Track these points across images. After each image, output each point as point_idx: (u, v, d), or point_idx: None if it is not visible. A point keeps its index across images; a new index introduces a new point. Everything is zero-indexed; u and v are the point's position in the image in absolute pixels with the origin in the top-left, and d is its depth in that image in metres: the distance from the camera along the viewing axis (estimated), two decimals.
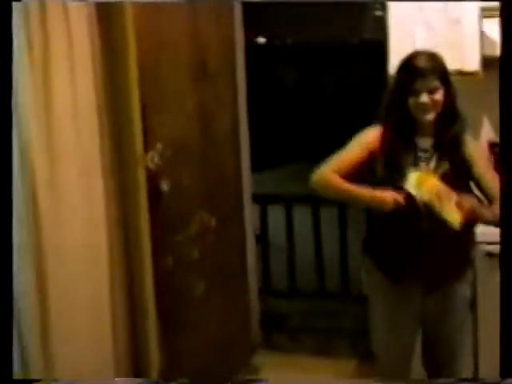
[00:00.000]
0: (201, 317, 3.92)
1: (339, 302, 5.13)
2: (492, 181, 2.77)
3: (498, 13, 3.48)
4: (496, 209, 2.69)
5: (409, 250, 2.81)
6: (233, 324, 4.26)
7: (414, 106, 2.75)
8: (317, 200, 5.25)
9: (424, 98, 2.73)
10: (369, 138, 2.84)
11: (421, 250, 2.79)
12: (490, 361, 3.10)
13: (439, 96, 2.75)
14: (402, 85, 2.77)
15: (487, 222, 2.82)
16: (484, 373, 3.47)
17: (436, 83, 2.74)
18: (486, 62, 3.62)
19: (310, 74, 13.94)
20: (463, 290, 2.93)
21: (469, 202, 2.68)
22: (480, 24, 3.56)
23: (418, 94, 2.73)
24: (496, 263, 3.34)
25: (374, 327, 3.02)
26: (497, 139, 3.87)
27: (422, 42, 3.59)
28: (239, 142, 4.41)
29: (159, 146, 3.40)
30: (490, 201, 2.79)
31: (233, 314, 4.27)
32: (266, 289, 5.02)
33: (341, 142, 2.91)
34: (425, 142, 2.81)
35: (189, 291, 3.83)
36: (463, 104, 3.74)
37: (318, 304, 5.18)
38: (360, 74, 11.96)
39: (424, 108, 2.75)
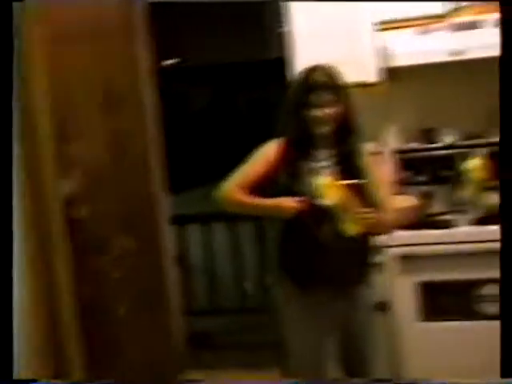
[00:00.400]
0: (125, 339, 3.94)
1: (261, 316, 5.22)
2: (381, 192, 2.91)
3: (394, 25, 3.70)
4: (386, 218, 2.86)
5: (313, 257, 2.87)
6: (157, 345, 4.29)
7: (308, 119, 2.83)
8: (234, 217, 5.36)
9: (318, 112, 2.81)
10: (269, 150, 2.91)
11: (324, 257, 2.85)
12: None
13: (333, 110, 2.82)
14: (296, 98, 2.85)
15: (383, 232, 2.97)
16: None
17: (330, 97, 2.81)
18: (386, 73, 3.79)
19: (223, 93, 14.05)
20: (367, 294, 3.01)
21: (370, 213, 2.76)
22: (378, 37, 3.72)
23: (312, 107, 2.81)
24: (409, 265, 3.53)
25: (287, 339, 3.06)
26: (401, 146, 4.05)
27: (324, 56, 3.73)
28: (153, 165, 4.46)
29: (76, 172, 3.43)
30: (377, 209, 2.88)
31: (157, 335, 4.30)
32: (188, 308, 5.06)
33: None
34: (323, 154, 2.88)
35: (112, 314, 3.85)
36: (367, 115, 3.93)
37: (240, 320, 5.25)
38: (271, 91, 12.13)
39: (318, 121, 2.83)
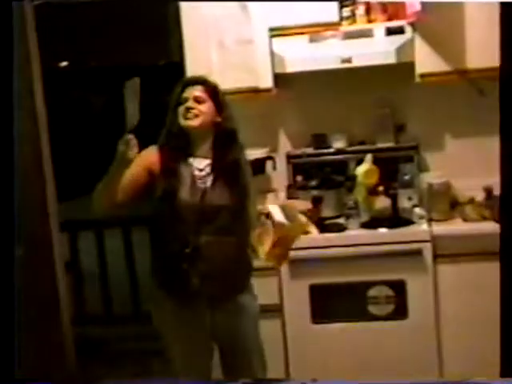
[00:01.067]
0: (11, 348, 3.86)
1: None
2: (253, 203, 2.96)
3: (286, 32, 3.78)
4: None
5: (189, 264, 2.86)
6: (47, 354, 4.23)
7: (180, 113, 2.90)
8: (127, 223, 5.34)
9: (189, 103, 2.88)
10: (148, 157, 2.92)
11: (201, 264, 2.85)
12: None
13: (204, 107, 2.89)
14: (173, 97, 2.94)
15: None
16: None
17: (202, 94, 2.90)
18: (277, 79, 3.86)
19: (116, 97, 13.92)
20: (249, 301, 3.02)
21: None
22: (270, 43, 3.78)
23: (185, 101, 2.90)
24: (300, 268, 3.61)
25: (171, 354, 3.04)
26: (293, 151, 4.14)
27: (216, 61, 3.79)
28: (43, 171, 4.40)
29: None
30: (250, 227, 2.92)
31: (46, 343, 4.24)
32: (79, 317, 5.00)
33: None
34: (201, 163, 2.92)
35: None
36: (258, 120, 4.02)
37: (134, 328, 5.22)
38: (165, 96, 12.09)
39: (189, 113, 2.88)
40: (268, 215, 2.78)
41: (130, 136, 2.70)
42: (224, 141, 2.93)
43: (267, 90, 3.84)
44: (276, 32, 3.79)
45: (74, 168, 10.78)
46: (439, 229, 3.64)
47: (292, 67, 3.76)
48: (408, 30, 3.69)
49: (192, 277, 2.86)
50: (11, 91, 2.56)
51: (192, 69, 3.80)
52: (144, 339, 5.06)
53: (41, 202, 4.34)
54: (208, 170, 2.91)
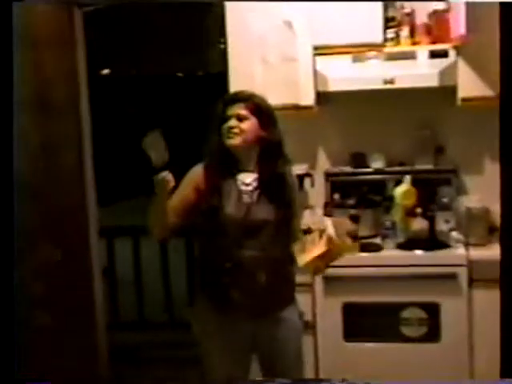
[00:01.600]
0: (46, 352, 3.93)
1: (189, 332, 5.23)
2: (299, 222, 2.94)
3: (330, 51, 3.81)
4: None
5: (233, 278, 2.88)
6: (80, 359, 4.28)
7: (223, 131, 2.90)
8: None
9: (230, 122, 2.88)
10: (194, 176, 2.95)
11: (244, 278, 2.87)
12: None
13: (246, 125, 2.88)
14: (216, 115, 2.95)
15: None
16: None
17: (243, 111, 2.89)
18: (319, 97, 3.88)
19: (154, 106, 14.01)
20: (292, 316, 3.00)
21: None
22: (314, 62, 3.81)
23: (227, 120, 2.89)
24: (334, 286, 3.62)
25: (208, 365, 3.04)
26: (332, 169, 4.16)
27: (259, 77, 3.83)
28: (84, 176, 4.46)
29: None
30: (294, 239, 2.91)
31: (80, 348, 4.29)
32: (114, 322, 5.06)
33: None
34: (247, 177, 2.93)
35: (33, 326, 3.83)
36: (299, 137, 4.03)
37: (167, 335, 5.26)
38: (205, 105, 12.17)
39: (231, 133, 2.89)
40: (309, 230, 2.79)
41: (163, 174, 2.76)
42: (269, 154, 2.93)
43: (308, 108, 3.87)
44: (319, 51, 3.82)
45: (113, 173, 10.90)
46: (476, 253, 3.63)
47: (334, 86, 3.79)
48: (452, 53, 3.70)
49: (232, 291, 2.88)
50: (11, 92, 2.60)
51: (234, 81, 3.86)
52: (176, 346, 5.11)
53: (81, 207, 4.40)
54: (254, 184, 2.92)
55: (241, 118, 2.90)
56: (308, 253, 2.77)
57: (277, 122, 2.97)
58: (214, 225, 2.87)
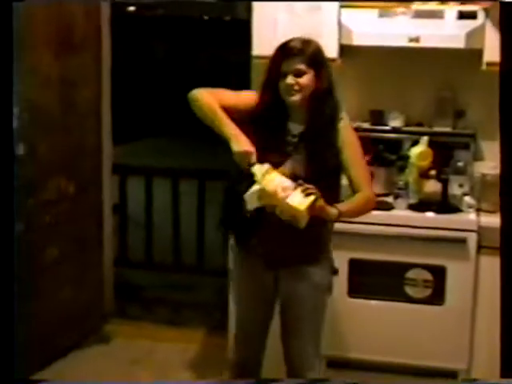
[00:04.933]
0: (52, 283, 3.94)
1: (194, 276, 5.25)
2: (358, 169, 2.85)
3: (357, 4, 3.71)
4: (355, 201, 2.82)
5: (253, 228, 2.86)
6: (86, 292, 4.30)
7: (281, 88, 2.80)
8: (176, 174, 5.36)
9: (289, 79, 2.77)
10: (252, 100, 2.88)
11: (265, 230, 2.84)
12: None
13: (305, 80, 2.78)
14: (273, 67, 2.83)
15: (335, 218, 2.78)
16: None
17: (301, 66, 2.77)
18: (342, 50, 3.77)
19: (180, 46, 13.90)
20: (317, 276, 2.95)
21: (315, 189, 2.64)
22: (339, 14, 3.71)
23: (285, 76, 2.78)
24: (342, 241, 3.59)
25: (233, 299, 3.13)
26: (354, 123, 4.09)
27: (283, 25, 3.74)
28: (101, 112, 4.43)
29: (14, 109, 3.37)
30: (355, 191, 2.84)
31: (86, 282, 4.31)
32: (121, 259, 5.07)
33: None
34: (296, 128, 2.85)
35: (40, 257, 3.84)
36: None
37: (173, 277, 5.28)
38: (230, 51, 12.08)
39: (289, 90, 2.79)
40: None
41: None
42: (320, 103, 2.82)
43: (331, 60, 3.71)
44: (346, 3, 3.71)
45: (131, 112, 10.85)
46: (487, 220, 3.56)
47: (359, 40, 3.70)
48: (480, 15, 3.59)
49: (253, 239, 2.88)
50: (11, 92, 2.55)
51: (258, 28, 3.77)
52: (181, 289, 5.15)
53: (96, 143, 4.38)
54: (301, 136, 2.84)
55: (299, 74, 2.78)
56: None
57: (330, 71, 2.88)
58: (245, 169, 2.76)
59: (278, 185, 2.63)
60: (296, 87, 2.78)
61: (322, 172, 2.79)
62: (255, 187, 2.66)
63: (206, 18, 13.40)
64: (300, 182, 2.64)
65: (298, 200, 2.60)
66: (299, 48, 2.79)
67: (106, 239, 4.56)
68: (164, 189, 5.29)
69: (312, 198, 2.60)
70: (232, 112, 2.81)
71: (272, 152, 2.78)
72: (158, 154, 9.73)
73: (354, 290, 3.67)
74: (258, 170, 2.67)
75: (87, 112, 4.26)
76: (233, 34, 9.26)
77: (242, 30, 4.12)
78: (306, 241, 2.85)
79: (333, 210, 2.72)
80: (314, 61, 2.81)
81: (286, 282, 2.94)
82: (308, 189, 2.61)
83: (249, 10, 3.88)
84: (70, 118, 4.04)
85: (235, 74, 7.00)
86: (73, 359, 4.02)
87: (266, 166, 2.68)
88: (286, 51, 2.80)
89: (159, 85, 13.33)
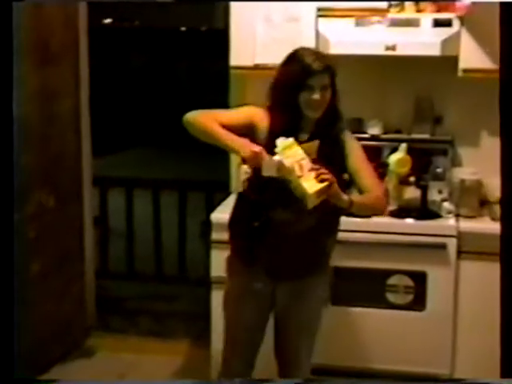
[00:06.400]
0: (35, 297, 3.91)
1: (176, 286, 5.24)
2: (366, 172, 2.87)
3: (333, 13, 3.73)
4: (367, 197, 2.80)
5: (258, 238, 2.83)
6: (68, 306, 4.28)
7: (304, 102, 2.76)
8: (157, 185, 5.36)
9: (317, 95, 2.75)
10: (255, 114, 2.85)
11: (270, 241, 2.82)
12: None
13: (328, 95, 2.79)
14: (294, 82, 2.76)
15: (346, 205, 2.74)
16: None
17: (327, 81, 2.77)
18: None
19: (158, 57, 13.89)
20: (319, 289, 2.96)
21: (329, 175, 2.63)
22: (316, 23, 3.73)
23: (310, 90, 2.75)
24: None
25: (225, 306, 3.04)
26: None
27: (261, 35, 3.75)
28: (80, 124, 4.41)
29: None
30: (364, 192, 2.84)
31: (68, 295, 4.28)
32: (103, 271, 5.05)
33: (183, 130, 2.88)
34: (303, 138, 2.80)
35: (23, 272, 3.81)
36: None
37: (155, 287, 5.27)
38: (207, 61, 12.08)
39: (315, 105, 2.77)
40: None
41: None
42: (330, 116, 2.83)
43: None
44: (323, 12, 3.73)
45: (110, 124, 10.82)
46: (466, 225, 3.60)
47: (336, 49, 3.69)
48: (456, 23, 3.62)
49: (256, 250, 2.85)
50: (11, 93, 2.56)
51: (236, 38, 3.78)
52: (163, 299, 5.13)
53: (76, 155, 4.37)
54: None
55: (323, 89, 2.77)
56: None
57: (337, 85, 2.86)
58: (256, 181, 2.75)
59: (296, 162, 2.63)
60: (320, 102, 2.77)
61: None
62: (276, 157, 2.65)
63: (182, 29, 13.40)
64: (317, 166, 2.63)
65: (311, 182, 2.61)
66: (326, 65, 2.78)
67: (87, 252, 4.54)
68: (145, 200, 5.29)
69: (325, 184, 2.60)
70: (234, 129, 2.77)
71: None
72: (138, 166, 9.73)
73: (337, 298, 3.66)
74: (281, 142, 2.66)
75: (67, 124, 4.25)
76: (210, 44, 9.28)
77: (219, 39, 4.13)
78: (312, 252, 2.87)
79: (345, 197, 2.71)
80: (334, 77, 2.81)
81: (286, 294, 2.92)
82: (322, 174, 2.60)
83: (226, 20, 3.89)
84: (49, 129, 4.03)
85: (213, 84, 7.01)
86: (56, 374, 3.98)
87: (291, 139, 2.67)
88: (312, 67, 2.75)
89: (137, 96, 13.31)
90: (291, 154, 2.65)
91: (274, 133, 2.74)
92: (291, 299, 2.92)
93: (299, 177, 2.61)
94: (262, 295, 2.92)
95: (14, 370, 2.32)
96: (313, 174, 2.61)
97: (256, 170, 2.71)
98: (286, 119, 2.80)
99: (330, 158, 2.77)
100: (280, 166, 2.63)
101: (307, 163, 2.65)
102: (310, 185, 2.60)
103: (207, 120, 2.76)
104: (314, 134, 2.81)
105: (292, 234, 2.77)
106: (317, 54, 2.85)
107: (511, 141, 2.33)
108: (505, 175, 2.37)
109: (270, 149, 2.67)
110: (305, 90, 2.75)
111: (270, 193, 2.76)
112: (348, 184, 2.88)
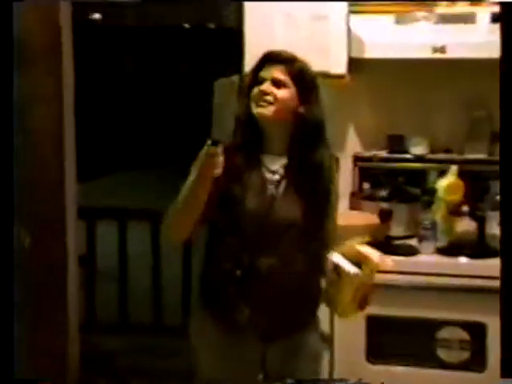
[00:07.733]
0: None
1: (178, 339, 5.22)
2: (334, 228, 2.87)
3: (369, 9, 3.74)
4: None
5: (242, 290, 2.78)
6: (47, 363, 4.26)
7: (253, 98, 2.75)
8: (155, 216, 5.35)
9: (265, 86, 2.74)
10: None
11: (257, 292, 2.78)
12: None
13: (284, 93, 2.74)
14: (248, 75, 2.81)
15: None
16: None
17: (283, 77, 2.74)
18: (352, 64, 3.80)
19: (154, 59, 14.00)
20: (312, 341, 2.95)
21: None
22: (348, 22, 3.74)
23: (261, 82, 2.75)
24: None
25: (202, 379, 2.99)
26: (362, 152, 4.11)
27: (281, 36, 3.76)
28: (63, 141, 4.41)
29: None
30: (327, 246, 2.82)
31: (47, 351, 4.27)
32: (89, 322, 5.05)
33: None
34: (274, 163, 2.80)
35: None
36: (325, 111, 3.97)
37: (152, 341, 5.26)
38: (214, 64, 12.15)
39: (260, 99, 2.74)
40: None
41: (216, 149, 2.55)
42: (305, 136, 2.78)
43: (339, 77, 3.80)
44: (356, 8, 3.76)
45: (98, 141, 10.89)
46: None
47: (372, 52, 3.75)
48: None
49: (240, 305, 2.79)
50: (11, 94, 2.60)
51: (250, 39, 3.81)
52: (162, 355, 5.12)
53: (57, 181, 4.37)
54: (282, 172, 2.79)
55: (278, 84, 2.75)
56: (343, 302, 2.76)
57: (320, 98, 2.83)
58: (229, 221, 2.75)
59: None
60: (270, 97, 2.74)
61: (319, 218, 2.79)
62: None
63: (186, 26, 13.50)
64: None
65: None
66: (285, 56, 2.79)
67: (70, 298, 4.53)
68: (140, 234, 5.29)
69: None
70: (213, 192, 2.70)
71: (251, 196, 2.75)
72: (132, 191, 9.76)
73: (375, 355, 3.66)
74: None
75: (44, 141, 4.25)
76: (218, 44, 9.34)
77: (230, 40, 4.15)
78: (302, 302, 2.86)
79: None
80: (301, 77, 2.79)
81: (278, 355, 2.87)
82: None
83: (239, 18, 3.91)
84: (22, 148, 4.03)
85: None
86: None
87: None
88: (268, 56, 2.80)
89: (130, 105, 13.40)
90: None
91: (234, 158, 2.71)
92: (283, 363, 2.87)
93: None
94: (250, 363, 2.86)
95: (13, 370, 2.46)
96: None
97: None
98: (240, 132, 2.73)
99: (303, 188, 2.77)
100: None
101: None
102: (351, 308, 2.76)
103: (171, 207, 2.76)
104: (288, 158, 2.79)
105: (280, 284, 2.75)
106: (286, 52, 2.83)
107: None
108: (504, 175, 2.45)
109: (232, 183, 2.70)
110: (257, 83, 2.76)
111: (252, 234, 2.74)
112: None
